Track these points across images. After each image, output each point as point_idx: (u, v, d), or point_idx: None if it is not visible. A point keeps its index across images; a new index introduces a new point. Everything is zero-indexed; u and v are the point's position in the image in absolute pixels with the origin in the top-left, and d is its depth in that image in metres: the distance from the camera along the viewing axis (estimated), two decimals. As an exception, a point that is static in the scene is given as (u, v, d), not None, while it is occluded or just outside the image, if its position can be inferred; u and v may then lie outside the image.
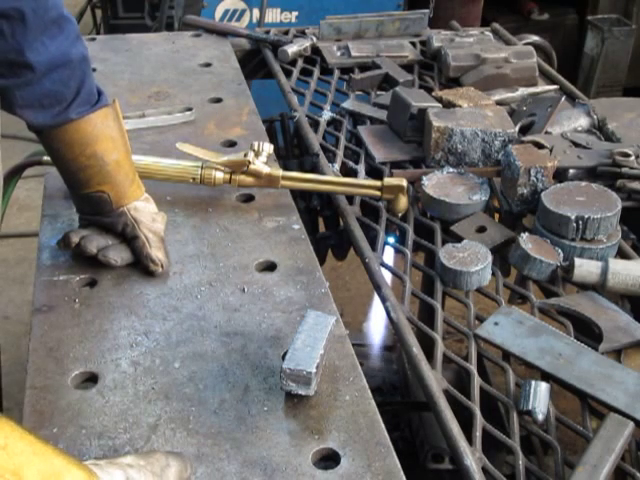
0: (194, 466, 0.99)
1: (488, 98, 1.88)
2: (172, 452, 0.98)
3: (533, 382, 1.14)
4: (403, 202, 1.56)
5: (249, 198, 1.58)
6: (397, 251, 1.53)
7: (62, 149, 1.30)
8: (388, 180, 1.56)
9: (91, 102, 1.30)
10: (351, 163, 1.78)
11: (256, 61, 2.38)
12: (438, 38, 2.29)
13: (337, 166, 1.75)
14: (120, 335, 1.22)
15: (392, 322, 1.29)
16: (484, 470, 1.04)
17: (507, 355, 1.26)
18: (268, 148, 1.54)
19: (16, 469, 0.77)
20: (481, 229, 1.52)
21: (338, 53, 2.30)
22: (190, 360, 1.17)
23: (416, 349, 1.21)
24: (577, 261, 1.38)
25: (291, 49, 2.27)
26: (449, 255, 1.40)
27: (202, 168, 1.53)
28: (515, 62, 2.12)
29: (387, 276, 1.41)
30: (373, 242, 1.49)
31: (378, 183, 1.55)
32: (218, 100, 1.97)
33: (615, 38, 4.29)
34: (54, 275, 1.35)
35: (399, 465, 1.00)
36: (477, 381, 1.19)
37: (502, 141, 1.69)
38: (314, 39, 2.35)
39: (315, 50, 2.33)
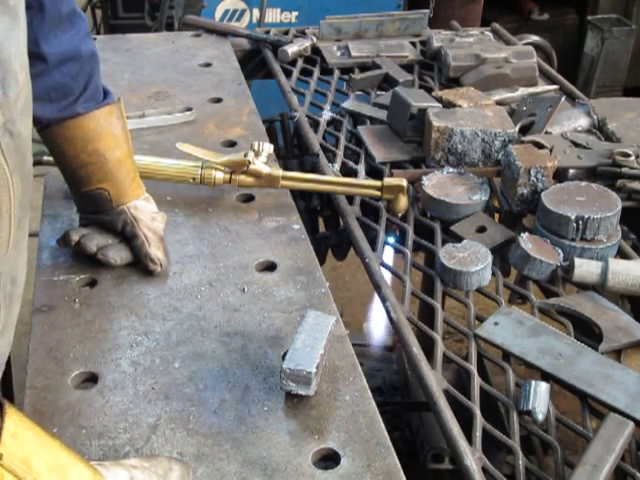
0: (195, 471, 0.99)
1: (488, 98, 1.88)
2: (175, 458, 0.99)
3: (533, 382, 1.14)
4: (403, 202, 1.56)
5: (249, 198, 1.58)
6: (397, 251, 1.53)
7: (64, 145, 1.30)
8: (388, 180, 1.56)
9: (97, 99, 1.31)
10: (351, 163, 1.77)
11: (256, 61, 2.38)
12: (438, 38, 2.29)
13: (337, 166, 1.75)
14: (120, 335, 1.22)
15: (392, 322, 1.29)
16: (484, 470, 1.04)
17: (507, 355, 1.26)
18: (268, 148, 1.54)
19: (25, 458, 0.77)
20: (481, 229, 1.52)
21: (338, 53, 2.30)
22: (190, 360, 1.17)
23: (416, 349, 1.21)
24: (577, 261, 1.38)
25: (291, 49, 2.27)
26: (449, 255, 1.40)
27: (202, 168, 1.53)
28: (515, 62, 2.12)
29: (387, 276, 1.40)
30: (373, 242, 1.49)
31: (378, 183, 1.55)
32: (218, 100, 1.97)
33: (615, 38, 4.29)
34: (54, 275, 1.35)
35: (399, 465, 1.00)
36: (477, 381, 1.19)
37: (502, 141, 1.69)
38: (314, 39, 2.35)
39: (315, 50, 2.33)
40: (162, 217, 1.40)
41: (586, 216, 1.42)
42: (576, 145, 1.71)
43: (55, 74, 1.24)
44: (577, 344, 1.24)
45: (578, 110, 1.88)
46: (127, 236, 1.36)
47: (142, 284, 1.33)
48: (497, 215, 1.61)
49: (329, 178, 1.61)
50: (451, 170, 1.66)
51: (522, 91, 2.01)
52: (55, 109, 1.27)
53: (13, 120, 0.78)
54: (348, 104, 2.02)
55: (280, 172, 1.54)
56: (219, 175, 1.53)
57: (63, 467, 0.81)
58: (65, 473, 0.81)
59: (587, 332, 1.31)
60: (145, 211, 1.38)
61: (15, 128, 0.79)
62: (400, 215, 1.59)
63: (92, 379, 1.14)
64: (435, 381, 1.15)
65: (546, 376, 1.20)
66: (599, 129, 1.83)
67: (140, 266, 1.35)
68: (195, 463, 1.00)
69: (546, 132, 1.78)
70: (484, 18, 3.76)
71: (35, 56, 1.21)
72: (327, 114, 1.98)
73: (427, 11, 2.55)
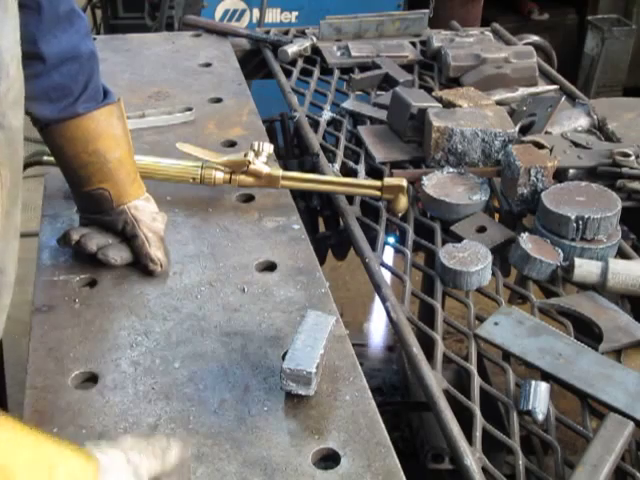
0: (193, 463, 0.99)
1: (488, 98, 1.88)
2: (172, 435, 0.97)
3: (533, 382, 1.14)
4: (403, 202, 1.56)
5: (249, 198, 1.57)
6: (397, 251, 1.53)
7: (65, 145, 1.30)
8: (388, 180, 1.56)
9: (97, 99, 1.31)
10: (351, 163, 1.77)
11: (256, 61, 2.38)
12: (438, 38, 2.29)
13: (337, 166, 1.75)
14: (120, 335, 1.22)
15: (392, 322, 1.29)
16: (484, 470, 1.04)
17: (507, 355, 1.25)
18: (268, 148, 1.54)
19: (4, 464, 0.70)
20: (481, 229, 1.52)
21: (338, 53, 2.30)
22: (190, 360, 1.17)
23: (416, 349, 1.21)
24: (577, 261, 1.38)
25: (291, 49, 2.27)
26: (449, 255, 1.40)
27: (202, 168, 1.53)
28: (515, 62, 2.12)
29: (387, 276, 1.40)
30: (373, 242, 1.49)
31: (378, 183, 1.55)
32: (218, 100, 1.97)
33: (615, 38, 4.29)
34: (54, 275, 1.35)
35: (399, 465, 1.00)
36: (477, 381, 1.19)
37: (502, 141, 1.69)
38: (314, 39, 2.35)
39: (315, 50, 2.33)
40: (162, 217, 1.40)
41: (586, 216, 1.42)
42: (576, 145, 1.71)
43: (54, 74, 1.23)
44: (577, 344, 1.24)
45: (578, 110, 1.88)
46: (127, 236, 1.36)
47: (142, 284, 1.33)
48: (497, 215, 1.61)
49: (329, 178, 1.61)
50: (451, 170, 1.66)
51: (522, 91, 2.01)
52: (55, 109, 1.26)
53: (3, 113, 0.78)
54: (348, 104, 2.02)
55: (280, 172, 1.54)
56: (219, 175, 1.53)
57: (50, 463, 0.74)
58: (52, 470, 0.74)
59: (587, 332, 1.31)
60: (145, 211, 1.38)
61: (6, 121, 0.78)
62: (400, 215, 1.59)
63: (92, 379, 1.14)
64: (435, 381, 1.15)
65: (546, 376, 1.20)
66: (599, 129, 1.83)
67: (140, 266, 1.35)
68: (195, 463, 0.99)
69: (546, 132, 1.78)
70: (484, 18, 3.76)
71: (33, 56, 1.21)
72: (327, 114, 1.98)
73: (427, 11, 2.55)
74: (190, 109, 1.87)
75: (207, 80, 2.08)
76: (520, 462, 1.07)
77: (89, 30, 1.29)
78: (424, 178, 1.63)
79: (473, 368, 1.22)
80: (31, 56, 1.20)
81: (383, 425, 1.06)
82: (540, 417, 1.12)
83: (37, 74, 1.22)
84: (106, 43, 2.30)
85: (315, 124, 1.93)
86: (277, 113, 2.11)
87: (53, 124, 1.28)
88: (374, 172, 1.75)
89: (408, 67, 2.24)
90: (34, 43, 1.19)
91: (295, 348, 1.08)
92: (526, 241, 1.43)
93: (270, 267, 1.38)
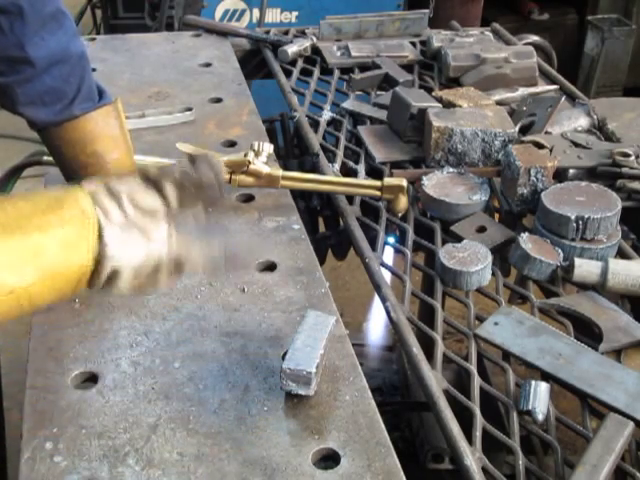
0: (193, 463, 0.99)
1: (488, 98, 1.88)
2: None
3: (533, 382, 1.14)
4: (403, 202, 1.56)
5: (249, 198, 1.57)
6: (397, 251, 1.53)
7: (63, 147, 1.30)
8: (388, 180, 1.56)
9: (93, 99, 1.30)
10: (351, 163, 1.77)
11: (256, 61, 2.38)
12: (438, 38, 2.29)
13: (337, 166, 1.74)
14: (120, 335, 1.21)
15: (392, 322, 1.29)
16: (484, 470, 1.04)
17: (507, 355, 1.26)
18: (268, 148, 1.54)
19: None
20: (481, 229, 1.52)
21: (338, 53, 2.30)
22: (190, 360, 1.17)
23: (416, 349, 1.21)
24: (577, 261, 1.38)
25: (291, 49, 2.27)
26: (449, 255, 1.40)
27: (202, 168, 1.53)
28: (515, 62, 2.12)
29: (387, 276, 1.40)
30: (373, 242, 1.49)
31: (378, 183, 1.55)
32: (218, 100, 1.97)
33: (615, 38, 4.29)
34: (54, 275, 1.34)
35: (399, 465, 1.00)
36: (477, 381, 1.19)
37: (502, 141, 1.69)
38: (314, 39, 2.35)
39: (315, 50, 2.33)
40: (162, 217, 1.40)
41: (586, 216, 1.42)
42: (576, 145, 1.71)
43: (45, 78, 1.22)
44: (577, 344, 1.24)
45: (578, 110, 1.88)
46: (127, 236, 1.36)
47: (142, 284, 1.33)
48: (497, 215, 1.61)
49: (329, 178, 1.61)
50: (451, 170, 1.66)
51: (522, 91, 2.01)
52: (51, 112, 1.25)
53: None
54: (348, 104, 2.02)
55: (280, 172, 1.54)
56: (219, 175, 1.52)
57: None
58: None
59: (587, 332, 1.31)
60: (145, 211, 1.37)
61: None
62: (400, 215, 1.59)
63: (92, 379, 1.14)
64: (435, 381, 1.15)
65: (546, 376, 1.20)
66: (599, 129, 1.83)
67: (140, 266, 1.35)
68: (195, 463, 1.00)
69: (546, 132, 1.78)
70: (484, 18, 3.75)
71: (22, 61, 1.19)
72: (327, 114, 1.97)
73: (427, 11, 2.55)
74: (190, 109, 1.87)
75: (207, 80, 2.08)
76: (520, 462, 1.07)
77: (76, 30, 1.28)
78: (424, 178, 1.63)
79: (473, 368, 1.22)
80: (20, 61, 1.19)
81: (383, 425, 1.06)
82: (540, 417, 1.12)
83: (28, 79, 1.21)
84: (106, 43, 2.30)
85: (315, 124, 1.93)
86: (277, 113, 2.11)
87: (50, 127, 1.27)
88: (374, 172, 1.75)
89: (408, 67, 2.24)
90: (21, 48, 1.17)
91: (295, 348, 1.08)
92: (526, 241, 1.43)
93: (270, 267, 1.38)
